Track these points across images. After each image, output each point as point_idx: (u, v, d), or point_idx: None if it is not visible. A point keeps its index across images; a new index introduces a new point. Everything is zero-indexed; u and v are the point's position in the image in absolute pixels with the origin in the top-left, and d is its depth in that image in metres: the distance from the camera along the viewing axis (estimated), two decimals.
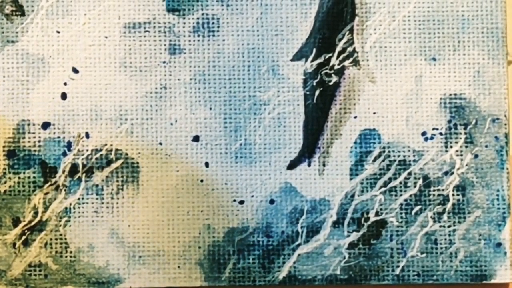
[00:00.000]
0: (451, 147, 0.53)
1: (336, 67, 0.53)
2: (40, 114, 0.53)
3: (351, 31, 0.54)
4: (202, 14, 0.53)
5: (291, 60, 0.53)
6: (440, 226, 0.53)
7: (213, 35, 0.53)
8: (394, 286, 0.54)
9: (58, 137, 0.53)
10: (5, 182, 0.53)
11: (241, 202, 0.53)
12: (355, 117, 0.53)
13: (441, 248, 0.53)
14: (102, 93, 0.53)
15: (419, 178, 0.53)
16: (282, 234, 0.53)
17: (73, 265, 0.53)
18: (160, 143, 0.53)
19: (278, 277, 0.53)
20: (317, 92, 0.53)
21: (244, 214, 0.53)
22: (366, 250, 0.53)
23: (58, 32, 0.53)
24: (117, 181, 0.53)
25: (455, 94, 0.54)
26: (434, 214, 0.53)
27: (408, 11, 0.54)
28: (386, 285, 0.53)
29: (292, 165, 0.53)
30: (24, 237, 0.53)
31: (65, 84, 0.53)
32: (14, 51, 0.53)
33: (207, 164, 0.53)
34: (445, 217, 0.53)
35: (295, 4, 0.54)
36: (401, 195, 0.53)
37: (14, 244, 0.53)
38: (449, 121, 0.53)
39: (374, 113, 0.53)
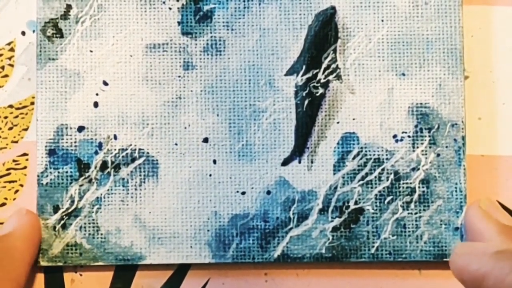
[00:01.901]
0: (417, 147, 0.55)
1: (322, 80, 0.55)
2: (76, 119, 0.56)
3: (334, 51, 0.56)
4: (211, 36, 0.56)
5: (285, 75, 0.56)
6: (408, 213, 0.55)
7: (220, 54, 0.56)
8: (370, 263, 0.56)
9: (91, 139, 0.55)
10: (47, 176, 0.55)
11: (243, 193, 0.55)
12: (338, 122, 0.56)
13: (409, 231, 0.55)
14: (128, 102, 0.56)
15: (391, 173, 0.55)
16: (277, 219, 0.55)
17: (103, 245, 0.55)
18: (176, 144, 0.55)
19: (273, 255, 0.55)
20: (306, 102, 0.55)
21: (246, 203, 0.55)
22: (346, 233, 0.55)
23: (91, 51, 0.56)
24: (140, 175, 0.55)
25: (421, 104, 0.56)
26: (403, 203, 0.55)
27: (382, 34, 0.56)
28: (363, 262, 0.55)
29: (285, 162, 0.56)
30: (62, 222, 0.55)
31: (97, 94, 0.56)
32: (54, 67, 0.55)
33: (214, 161, 0.56)
34: (412, 205, 0.55)
35: (288, 29, 0.56)
36: (376, 187, 0.55)
37: (54, 227, 0.55)
38: (416, 126, 0.55)
39: (354, 119, 0.56)
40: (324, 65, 0.56)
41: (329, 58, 0.56)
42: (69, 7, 0.56)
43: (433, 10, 0.56)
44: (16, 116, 0.57)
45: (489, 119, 0.57)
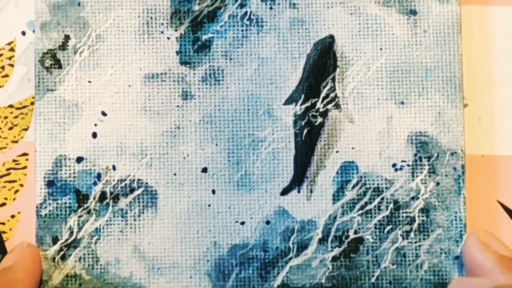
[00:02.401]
0: (417, 176, 0.55)
1: (321, 110, 0.55)
2: (75, 150, 0.55)
3: (333, 79, 0.56)
4: (209, 66, 0.56)
5: (284, 104, 0.56)
6: (408, 242, 0.55)
7: (219, 84, 0.56)
8: None
9: (90, 169, 0.55)
10: (46, 207, 0.55)
11: (242, 223, 0.55)
12: (337, 152, 0.56)
13: (409, 260, 0.55)
14: (126, 132, 0.56)
15: (390, 202, 0.55)
16: (277, 249, 0.55)
17: (103, 276, 0.55)
18: (175, 174, 0.55)
19: (273, 285, 0.55)
20: (305, 131, 0.55)
21: (245, 233, 0.55)
22: (346, 262, 0.55)
23: (90, 81, 0.56)
24: (139, 205, 0.55)
25: (420, 132, 0.56)
26: (403, 232, 0.55)
27: (381, 62, 0.56)
28: None
29: (284, 192, 0.56)
30: (62, 253, 0.55)
31: (95, 125, 0.56)
32: (53, 98, 0.55)
33: (213, 191, 0.56)
34: (412, 234, 0.55)
35: (286, 58, 0.56)
36: (375, 216, 0.55)
37: (54, 258, 0.55)
38: (415, 155, 0.55)
39: (353, 148, 0.56)
40: (323, 94, 0.56)
41: (328, 87, 0.56)
42: (67, 37, 0.57)
43: (431, 38, 0.57)
44: (16, 116, 0.57)
45: (489, 119, 0.58)
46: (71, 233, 0.56)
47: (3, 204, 0.57)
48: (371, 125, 0.56)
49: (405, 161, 0.56)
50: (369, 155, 0.56)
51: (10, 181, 0.57)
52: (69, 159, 0.56)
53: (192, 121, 0.56)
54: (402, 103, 0.56)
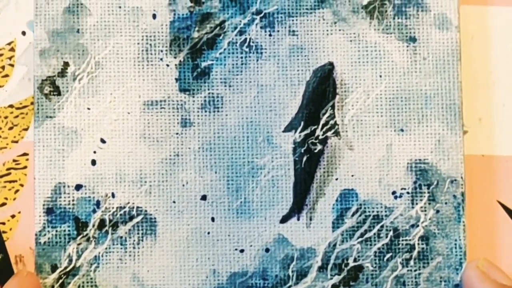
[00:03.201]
0: (416, 204, 0.56)
1: (320, 137, 0.56)
2: (74, 177, 0.56)
3: (332, 107, 0.56)
4: (209, 93, 0.56)
5: (283, 131, 0.56)
6: (408, 270, 0.55)
7: (218, 111, 0.56)
8: None
9: (89, 197, 0.55)
10: (45, 235, 0.55)
11: (242, 251, 0.55)
12: (337, 179, 0.56)
13: None
14: (126, 160, 0.56)
15: (390, 230, 0.55)
16: (276, 277, 0.55)
17: None
18: (174, 202, 0.56)
19: None
20: (304, 158, 0.56)
21: (244, 261, 0.55)
22: None
23: (89, 108, 0.56)
24: (138, 233, 0.55)
25: (420, 160, 0.56)
26: (403, 260, 0.55)
27: (380, 90, 0.56)
28: None
29: (284, 220, 0.56)
30: (61, 281, 0.55)
31: (94, 152, 0.56)
32: (52, 125, 0.56)
33: (213, 219, 0.56)
34: (412, 262, 0.55)
35: (286, 85, 0.56)
36: (375, 244, 0.55)
37: (53, 287, 0.55)
38: (415, 182, 0.56)
39: (352, 175, 0.56)
40: (322, 121, 0.56)
41: (327, 114, 0.56)
42: (66, 64, 0.57)
43: (431, 65, 0.57)
44: (16, 116, 0.57)
45: (489, 119, 0.58)
46: (70, 261, 0.56)
47: (3, 204, 0.57)
48: (370, 152, 0.56)
49: (405, 189, 0.56)
50: (368, 183, 0.56)
51: (10, 181, 0.57)
52: (68, 186, 0.56)
53: (191, 149, 0.56)
54: (402, 130, 0.56)
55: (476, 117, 0.58)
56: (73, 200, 0.56)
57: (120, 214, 0.56)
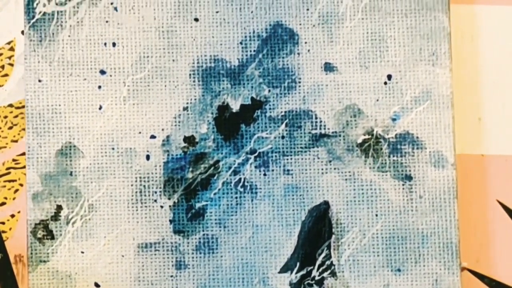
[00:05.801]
0: None
1: (316, 278, 0.56)
2: None
3: (328, 247, 0.56)
4: (203, 234, 0.56)
5: (279, 272, 0.56)
6: None
7: (213, 252, 0.56)
8: None
9: None
10: None
11: None
12: None
13: None
14: None
15: None
16: None
17: None
18: None
19: None
20: None
21: None
22: None
23: (83, 252, 0.56)
24: None
25: None
26: None
27: (376, 229, 0.56)
28: None
29: None
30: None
31: None
32: (46, 270, 0.55)
33: None
34: None
35: (281, 225, 0.56)
36: None
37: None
38: None
39: None
40: (318, 262, 0.56)
41: (323, 255, 0.56)
42: (59, 207, 0.56)
43: (427, 204, 0.56)
44: (16, 116, 0.58)
45: (489, 119, 0.58)
46: None
47: (3, 204, 0.58)
48: None
49: None
50: None
51: (9, 181, 0.58)
52: None
53: None
54: (399, 270, 0.56)
55: (476, 116, 0.58)
56: None
57: None
